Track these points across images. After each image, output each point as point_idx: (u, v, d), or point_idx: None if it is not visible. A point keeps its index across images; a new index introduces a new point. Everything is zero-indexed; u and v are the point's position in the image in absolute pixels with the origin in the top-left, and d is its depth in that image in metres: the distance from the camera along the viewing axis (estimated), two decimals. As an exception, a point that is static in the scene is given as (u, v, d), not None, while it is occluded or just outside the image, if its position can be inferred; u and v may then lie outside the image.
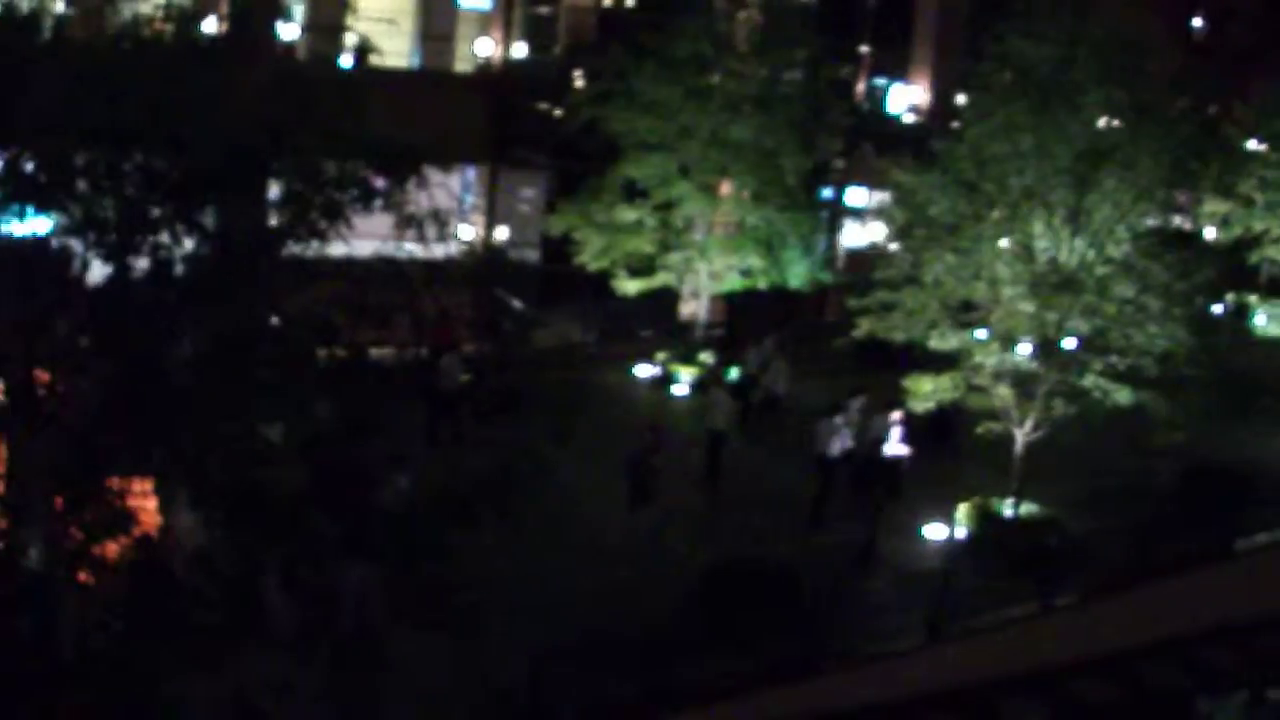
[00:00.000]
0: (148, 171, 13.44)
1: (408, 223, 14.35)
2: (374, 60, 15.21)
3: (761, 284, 37.31)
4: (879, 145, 39.79)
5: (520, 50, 44.02)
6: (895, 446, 28.97)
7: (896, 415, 28.82)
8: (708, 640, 22.07)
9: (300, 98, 13.90)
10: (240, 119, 13.62)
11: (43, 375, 13.39)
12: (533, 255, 41.06)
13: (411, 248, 14.72)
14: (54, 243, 13.81)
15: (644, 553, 25.17)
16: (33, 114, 12.98)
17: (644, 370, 36.45)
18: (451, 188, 18.15)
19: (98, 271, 13.78)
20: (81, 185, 13.34)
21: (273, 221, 14.18)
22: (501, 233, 42.15)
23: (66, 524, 13.29)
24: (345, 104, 13.99)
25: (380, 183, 14.17)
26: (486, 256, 41.23)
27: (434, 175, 14.89)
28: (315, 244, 14.13)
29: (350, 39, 15.64)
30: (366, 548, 14.16)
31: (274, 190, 14.28)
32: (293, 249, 14.03)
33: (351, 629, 15.13)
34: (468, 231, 40.90)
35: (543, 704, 20.11)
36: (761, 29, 37.85)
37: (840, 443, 28.43)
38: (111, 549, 13.54)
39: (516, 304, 38.28)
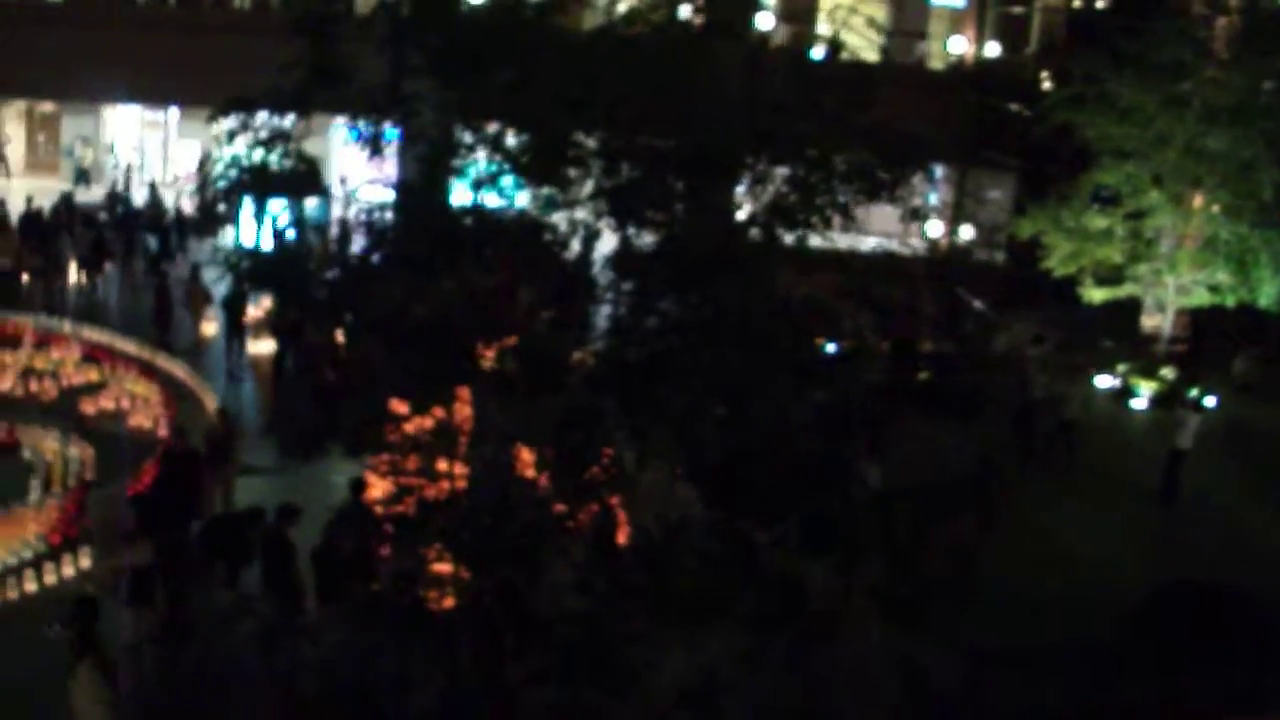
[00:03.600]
0: (653, 151, 13.90)
1: (912, 216, 14.64)
2: (846, 54, 15.37)
3: (1229, 301, 36.36)
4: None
5: (992, 49, 43.95)
6: None
7: None
8: (1151, 661, 21.75)
9: (810, 87, 14.27)
10: (749, 104, 14.08)
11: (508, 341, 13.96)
12: (996, 257, 41.00)
13: (880, 242, 15.02)
14: (534, 216, 14.48)
15: (1089, 566, 25.03)
16: (534, 96, 13.69)
17: (1103, 381, 35.99)
18: (920, 185, 18.30)
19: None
20: (585, 163, 14.03)
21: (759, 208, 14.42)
22: (966, 232, 42.24)
23: (558, 486, 13.80)
24: (854, 96, 14.31)
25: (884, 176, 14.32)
26: (951, 255, 41.39)
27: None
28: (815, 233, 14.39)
29: (843, 32, 15.77)
30: (831, 538, 14.09)
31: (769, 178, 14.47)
32: (794, 236, 14.32)
33: (811, 613, 15.32)
34: (933, 229, 41.15)
35: (976, 706, 20.21)
36: (1240, 36, 36.78)
37: None
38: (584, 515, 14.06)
39: (977, 305, 38.31)
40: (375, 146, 14.69)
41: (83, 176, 50.81)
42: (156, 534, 18.84)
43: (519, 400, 13.78)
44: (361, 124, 14.63)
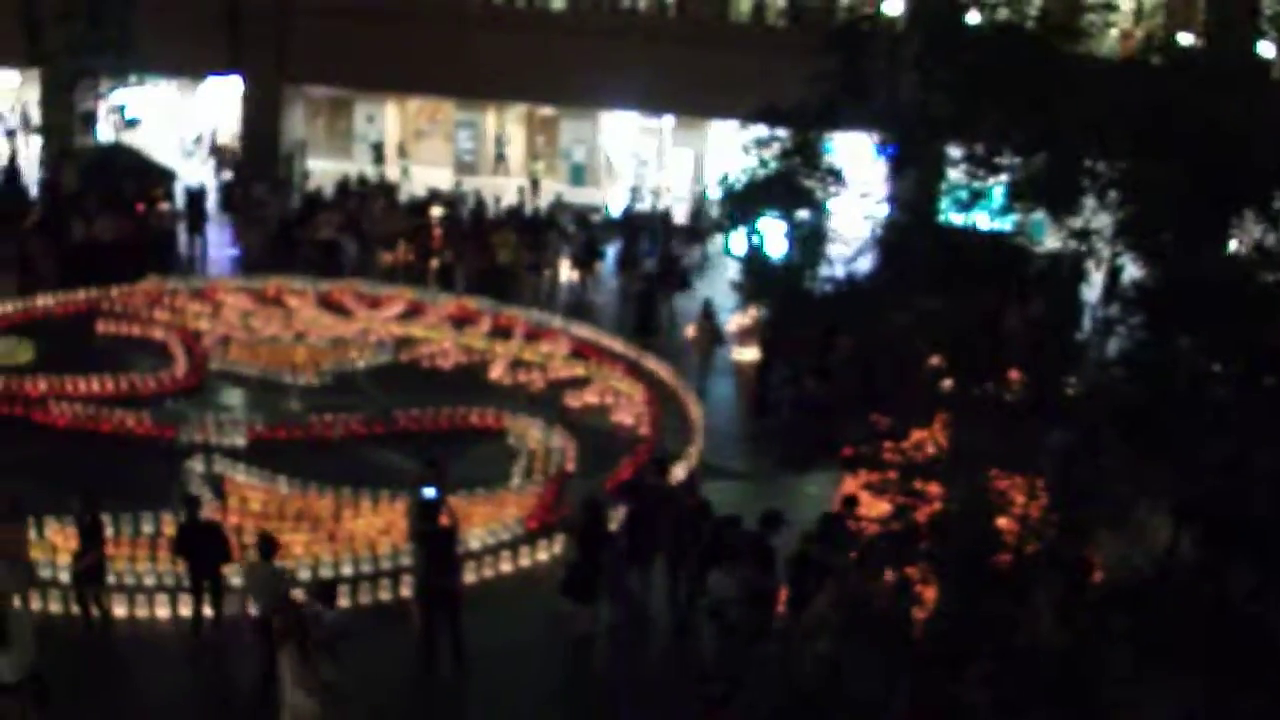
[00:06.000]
0: (1174, 182, 13.48)
1: None
2: None
3: None
4: None
5: None
6: None
7: None
8: None
9: None
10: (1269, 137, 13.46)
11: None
12: None
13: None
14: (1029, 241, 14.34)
15: None
16: (1052, 120, 13.49)
17: None
18: None
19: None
20: (1100, 190, 13.73)
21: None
22: None
23: (1049, 518, 13.50)
24: None
25: None
26: None
27: None
28: None
29: None
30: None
31: None
32: None
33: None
34: None
35: None
36: None
37: None
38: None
39: None
40: (899, 163, 14.67)
41: (579, 178, 52.70)
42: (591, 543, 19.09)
43: (1014, 427, 13.44)
44: (885, 141, 14.63)
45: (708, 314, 30.69)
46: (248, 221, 39.62)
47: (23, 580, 18.37)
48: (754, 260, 16.12)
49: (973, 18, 14.93)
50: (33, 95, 49.18)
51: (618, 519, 20.42)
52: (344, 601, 19.07)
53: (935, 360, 14.49)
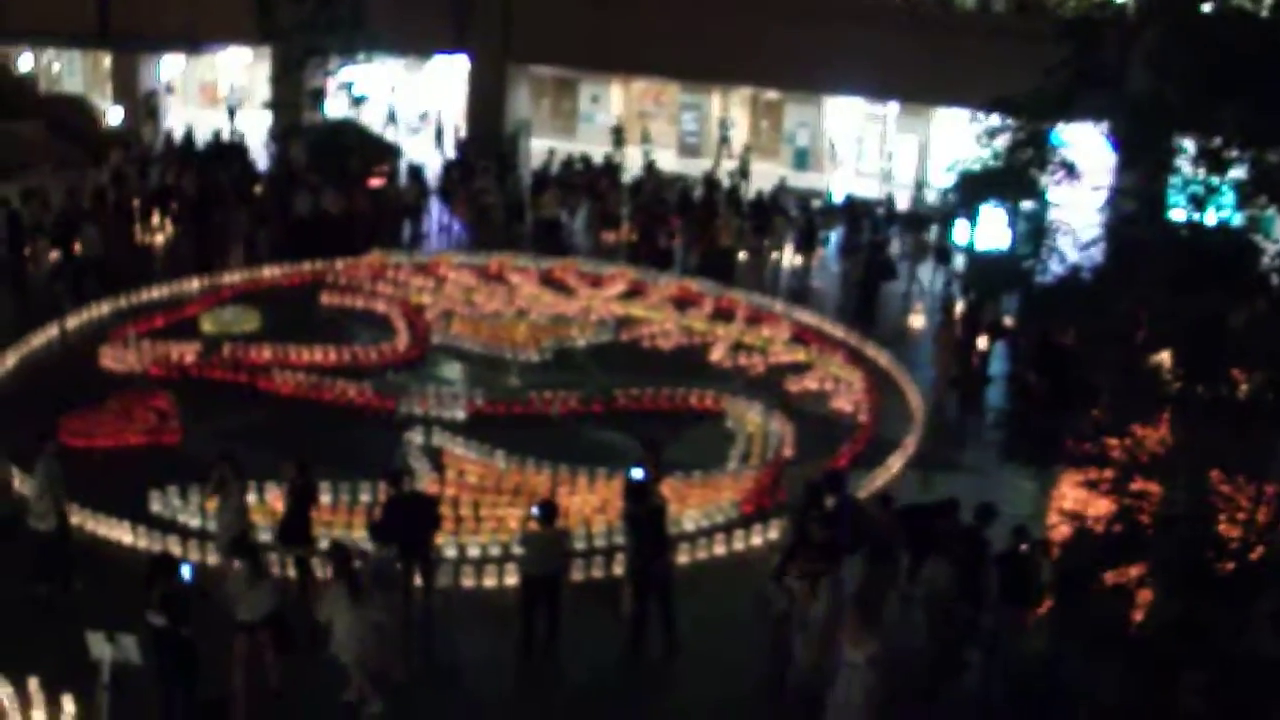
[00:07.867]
0: None
1: None
2: None
3: None
4: None
5: None
6: None
7: None
8: None
9: None
10: None
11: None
12: None
13: None
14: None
15: None
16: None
17: None
18: None
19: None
20: None
21: None
22: None
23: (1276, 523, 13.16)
24: None
25: None
26: None
27: None
28: None
29: None
30: None
31: None
32: None
33: None
34: None
35: None
36: None
37: None
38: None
39: None
40: (1131, 155, 14.42)
41: (801, 162, 52.51)
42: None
43: (1243, 429, 13.13)
44: (1117, 132, 14.40)
45: (947, 321, 29.60)
46: (470, 207, 40.12)
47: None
48: (978, 251, 16.00)
49: (1208, 7, 14.60)
50: (263, 72, 50.46)
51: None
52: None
53: (1161, 357, 14.23)
